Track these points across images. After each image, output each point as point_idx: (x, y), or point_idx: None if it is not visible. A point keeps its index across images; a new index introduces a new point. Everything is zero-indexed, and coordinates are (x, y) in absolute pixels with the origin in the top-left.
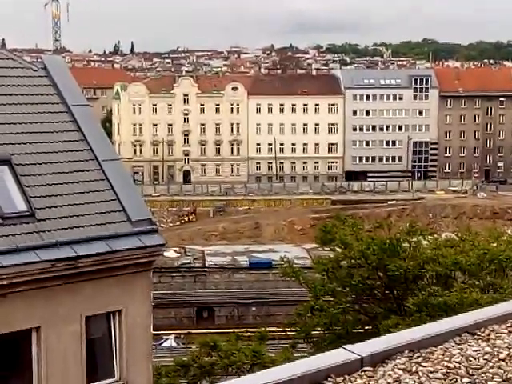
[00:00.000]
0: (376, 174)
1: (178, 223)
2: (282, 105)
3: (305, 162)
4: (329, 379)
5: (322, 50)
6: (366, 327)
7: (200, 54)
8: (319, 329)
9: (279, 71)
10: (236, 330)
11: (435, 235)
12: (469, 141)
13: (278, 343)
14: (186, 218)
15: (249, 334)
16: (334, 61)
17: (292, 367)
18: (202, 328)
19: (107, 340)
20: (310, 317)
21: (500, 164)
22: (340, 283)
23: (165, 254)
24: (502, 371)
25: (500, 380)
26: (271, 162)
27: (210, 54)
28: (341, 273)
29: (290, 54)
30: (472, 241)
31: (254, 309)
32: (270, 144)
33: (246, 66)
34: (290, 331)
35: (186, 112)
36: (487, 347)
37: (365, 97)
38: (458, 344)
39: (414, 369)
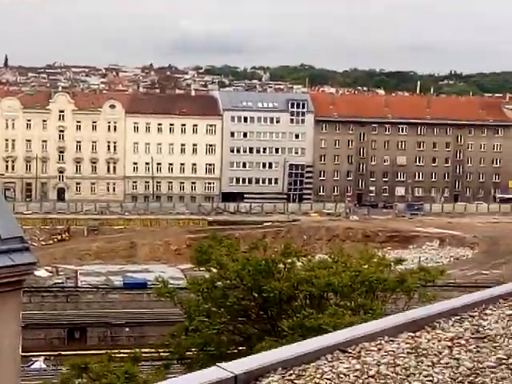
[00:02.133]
0: (252, 196)
1: (50, 242)
2: (160, 124)
3: (182, 182)
4: None
5: (201, 71)
6: (240, 348)
7: (77, 71)
8: (193, 349)
9: (158, 91)
10: (108, 351)
11: (309, 257)
12: (342, 165)
13: (152, 364)
14: (59, 237)
15: (122, 355)
16: (212, 82)
17: None
18: (73, 349)
19: None
20: (185, 337)
21: (372, 188)
22: (215, 304)
23: (36, 273)
24: None
25: None
26: (148, 182)
27: (87, 70)
28: (216, 293)
29: (169, 73)
30: (344, 262)
31: (127, 329)
32: (147, 163)
33: (124, 84)
34: (164, 352)
35: (61, 129)
36: (357, 364)
37: (243, 119)
38: (330, 361)
39: None
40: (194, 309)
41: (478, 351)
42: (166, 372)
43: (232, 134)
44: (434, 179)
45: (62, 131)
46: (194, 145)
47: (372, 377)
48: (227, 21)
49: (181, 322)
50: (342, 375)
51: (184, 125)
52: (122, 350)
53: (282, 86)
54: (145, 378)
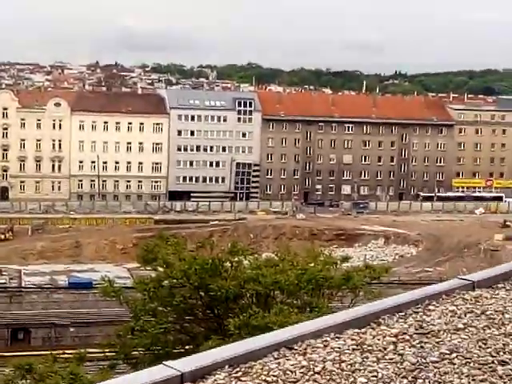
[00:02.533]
0: (199, 195)
1: None
2: (106, 122)
3: (128, 181)
4: None
5: (147, 69)
6: (187, 347)
7: (21, 68)
8: (140, 349)
9: (104, 88)
10: (53, 352)
11: (256, 255)
12: (289, 163)
13: (97, 364)
14: (3, 236)
15: (66, 355)
16: (159, 80)
17: None
18: (16, 350)
19: None
20: (130, 337)
21: (318, 187)
22: (161, 303)
23: None
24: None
25: None
26: (94, 180)
27: (31, 67)
28: (162, 292)
29: (115, 71)
30: (291, 261)
31: (72, 330)
32: (92, 162)
33: (69, 82)
34: (110, 352)
35: (5, 127)
36: (304, 361)
37: (190, 117)
38: (276, 358)
39: (233, 383)
40: (140, 308)
41: (421, 347)
42: (111, 372)
43: (179, 133)
44: (379, 178)
45: (6, 129)
46: (141, 143)
47: (318, 373)
48: (174, 18)
49: (127, 321)
50: (288, 372)
51: (130, 123)
52: (66, 351)
53: (229, 85)
54: (90, 379)
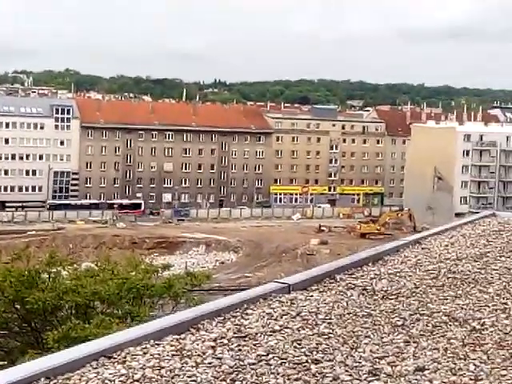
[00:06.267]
0: (15, 204)
1: None
2: None
3: None
4: None
5: None
6: (1, 363)
7: None
8: None
9: None
10: None
11: (75, 265)
12: (109, 171)
13: None
14: None
15: None
16: None
17: None
18: None
19: None
20: None
21: (139, 195)
22: None
23: None
24: None
25: None
26: None
27: None
28: None
29: None
30: (112, 270)
31: None
32: None
33: None
34: None
35: None
36: (123, 369)
37: (4, 124)
38: (95, 368)
39: None
40: None
41: (239, 349)
42: None
43: None
44: (199, 185)
45: None
46: None
47: (137, 380)
48: None
49: None
50: (107, 381)
51: None
52: None
53: (46, 92)
54: None
